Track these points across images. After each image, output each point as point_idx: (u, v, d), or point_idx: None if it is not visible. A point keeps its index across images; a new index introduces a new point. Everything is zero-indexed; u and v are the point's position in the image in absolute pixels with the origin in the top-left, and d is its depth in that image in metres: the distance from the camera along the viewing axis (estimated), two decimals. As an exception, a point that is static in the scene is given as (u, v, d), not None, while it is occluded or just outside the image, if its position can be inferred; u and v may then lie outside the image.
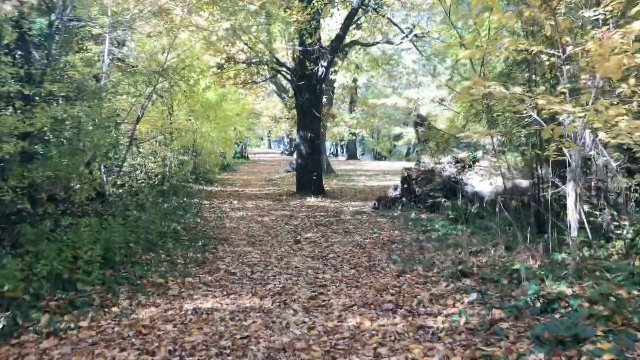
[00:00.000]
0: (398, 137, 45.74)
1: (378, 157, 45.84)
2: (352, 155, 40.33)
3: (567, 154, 6.16)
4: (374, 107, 27.86)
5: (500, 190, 11.51)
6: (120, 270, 6.32)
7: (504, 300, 5.08)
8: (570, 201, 6.16)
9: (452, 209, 9.55)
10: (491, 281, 5.71)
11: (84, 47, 10.93)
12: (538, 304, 4.78)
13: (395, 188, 13.38)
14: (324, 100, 18.99)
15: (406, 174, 12.72)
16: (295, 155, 24.61)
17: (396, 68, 34.33)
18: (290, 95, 21.85)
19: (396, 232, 9.43)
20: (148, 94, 10.49)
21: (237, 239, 8.85)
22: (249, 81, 17.07)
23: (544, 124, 6.48)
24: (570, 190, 6.05)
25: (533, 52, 5.92)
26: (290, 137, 46.18)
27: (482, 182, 11.82)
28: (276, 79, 22.62)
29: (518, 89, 5.74)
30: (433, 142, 11.86)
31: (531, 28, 6.55)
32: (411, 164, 14.96)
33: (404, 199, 12.68)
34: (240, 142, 36.23)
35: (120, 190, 10.47)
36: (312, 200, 14.43)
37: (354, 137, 37.85)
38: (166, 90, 15.93)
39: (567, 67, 5.91)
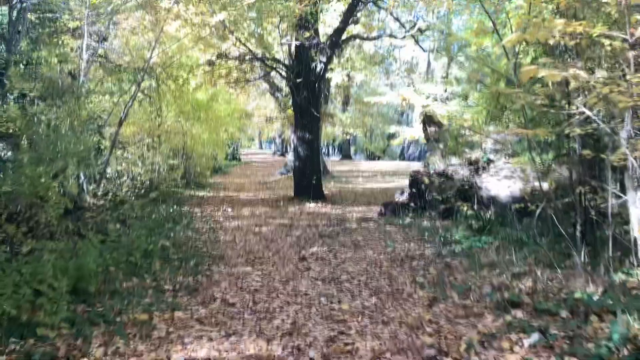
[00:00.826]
0: (391, 136, 44.80)
1: (371, 156, 44.78)
2: (345, 155, 39.25)
3: (630, 158, 5.12)
4: (369, 105, 26.75)
5: (517, 194, 10.53)
6: (95, 304, 5.18)
7: (574, 343, 4.01)
8: (634, 214, 5.12)
9: (475, 218, 8.49)
10: (548, 314, 4.65)
11: (60, 41, 9.81)
12: (625, 351, 3.72)
13: (402, 192, 12.32)
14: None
15: (414, 177, 11.66)
16: (290, 157, 23.50)
17: (390, 66, 33.40)
18: (284, 94, 20.73)
19: (412, 244, 8.36)
20: (132, 93, 9.35)
21: (234, 256, 7.73)
22: (242, 80, 15.92)
23: (600, 122, 5.44)
24: (637, 201, 5.01)
25: (593, 36, 4.84)
26: (282, 137, 45.13)
27: (499, 185, 10.79)
28: (270, 77, 21.48)
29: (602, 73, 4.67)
30: (451, 142, 10.82)
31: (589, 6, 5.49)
32: (415, 165, 13.92)
33: (412, 204, 11.62)
34: (233, 143, 35.05)
35: (102, 202, 9.32)
36: (311, 206, 13.33)
37: (348, 137, 36.79)
38: (154, 90, 14.78)
39: (634, 52, 4.86)
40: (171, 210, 12.05)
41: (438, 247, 7.92)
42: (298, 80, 13.40)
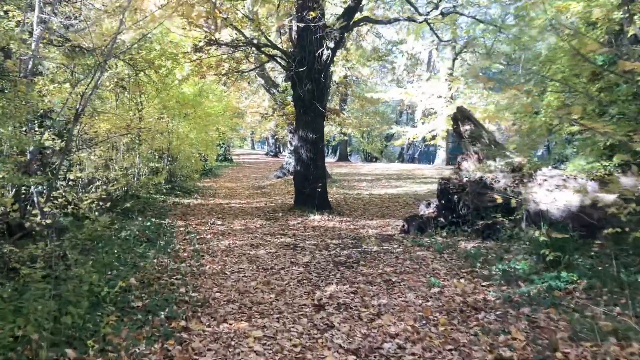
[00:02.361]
0: (389, 137, 42.72)
1: (368, 158, 42.65)
2: (342, 157, 37.08)
3: None
4: (373, 102, 24.57)
5: (574, 209, 8.45)
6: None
7: None
8: None
9: (547, 245, 6.29)
10: None
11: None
12: None
13: (428, 204, 10.14)
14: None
15: (444, 186, 9.49)
16: (286, 158, 21.27)
17: (391, 64, 31.26)
18: (280, 89, 18.50)
19: (463, 281, 6.17)
20: (94, 81, 7.08)
21: (223, 301, 5.50)
22: (234, 71, 13.68)
23: None
24: None
25: None
26: (275, 137, 42.92)
27: (550, 197, 8.66)
28: (265, 72, 19.25)
29: None
30: (518, 142, 8.65)
31: None
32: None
33: (441, 219, 9.45)
34: (224, 143, 32.78)
35: (49, 221, 7.05)
36: (316, 219, 11.13)
37: (345, 137, 34.63)
38: (132, 81, 12.52)
39: None
40: (149, 224, 9.81)
41: (500, 286, 5.74)
42: (300, 70, 11.18)
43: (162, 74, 13.11)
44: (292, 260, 7.48)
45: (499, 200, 8.87)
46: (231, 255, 7.77)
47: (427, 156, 44.65)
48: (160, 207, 12.53)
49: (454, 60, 30.21)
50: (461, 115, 9.45)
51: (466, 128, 9.30)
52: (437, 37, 15.08)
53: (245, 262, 7.32)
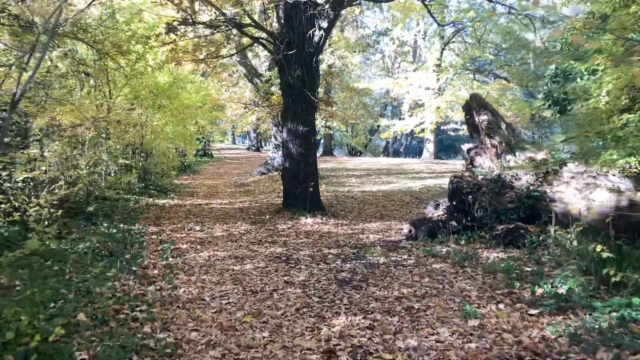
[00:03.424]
0: (374, 131, 41.45)
1: (353, 152, 41.36)
2: (327, 151, 35.76)
3: None
4: (363, 94, 23.23)
5: (608, 210, 7.30)
6: None
7: None
8: None
9: (608, 262, 5.02)
10: None
11: None
12: None
13: (437, 205, 8.88)
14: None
15: (457, 185, 8.23)
16: (270, 153, 19.86)
17: (380, 50, 30.03)
18: (264, 78, 17.07)
19: (503, 306, 4.89)
20: (37, 60, 5.64)
21: (200, 346, 4.14)
22: (214, 56, 12.24)
23: None
24: None
25: None
26: (257, 131, 41.40)
27: (579, 197, 7.48)
28: (247, 60, 17.80)
29: None
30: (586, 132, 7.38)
31: None
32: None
33: (454, 222, 8.18)
34: (203, 137, 31.19)
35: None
36: (309, 222, 9.80)
37: (331, 131, 33.27)
38: (95, 66, 11.04)
39: None
40: (115, 232, 8.39)
41: (564, 322, 4.46)
42: (289, 53, 9.80)
43: (132, 60, 11.65)
44: (285, 278, 6.14)
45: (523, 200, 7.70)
46: (211, 272, 6.41)
47: (413, 150, 43.56)
48: (130, 210, 11.07)
49: (442, 50, 28.99)
50: (476, 104, 8.18)
51: (483, 118, 8.03)
52: (435, 20, 13.76)
53: (228, 282, 5.96)
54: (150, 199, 13.09)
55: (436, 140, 30.83)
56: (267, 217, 10.49)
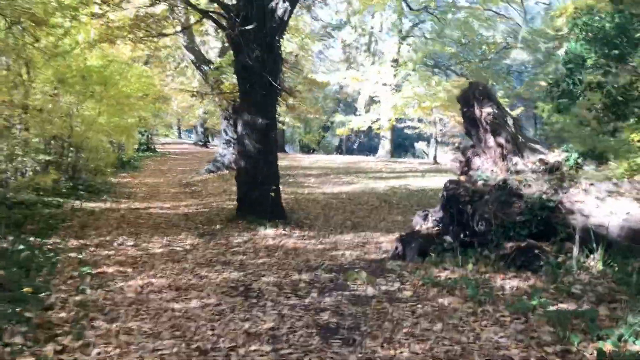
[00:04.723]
0: (327, 127, 39.97)
1: (305, 149, 39.69)
2: (280, 148, 33.84)
3: None
4: (322, 86, 21.55)
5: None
6: None
7: None
8: None
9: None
10: None
11: None
12: None
13: (426, 216, 7.33)
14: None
15: (453, 193, 6.71)
16: (220, 149, 17.90)
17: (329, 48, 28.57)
18: (214, 66, 15.14)
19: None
20: None
21: None
22: (155, 34, 10.30)
23: None
24: None
25: None
26: (204, 126, 39.15)
27: (603, 208, 6.14)
28: (194, 44, 15.81)
29: None
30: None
31: None
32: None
33: (448, 237, 6.66)
34: (146, 131, 28.78)
35: None
36: (269, 234, 8.08)
37: (284, 127, 31.44)
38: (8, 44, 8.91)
39: None
40: (21, 249, 6.42)
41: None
42: (247, 29, 8.03)
43: (55, 35, 9.60)
44: (246, 324, 4.40)
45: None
46: (143, 314, 4.60)
47: (367, 148, 42.32)
48: (49, 217, 9.02)
49: (399, 45, 27.72)
50: (479, 94, 6.66)
51: (487, 111, 6.53)
52: (407, 4, 12.24)
53: (166, 333, 4.17)
54: (79, 202, 11.01)
55: (393, 138, 29.62)
56: (218, 226, 8.69)
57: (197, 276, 5.87)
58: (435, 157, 26.87)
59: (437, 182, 16.30)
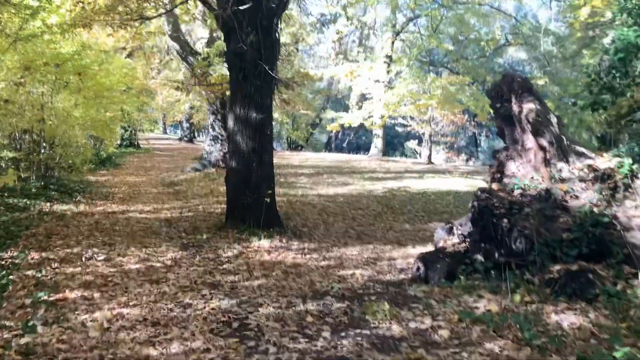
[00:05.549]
0: (315, 124, 38.82)
1: (293, 146, 38.47)
2: (267, 145, 32.56)
3: None
4: (316, 80, 20.36)
5: None
6: None
7: None
8: None
9: None
10: None
11: None
12: None
13: (450, 230, 6.23)
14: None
15: (484, 204, 5.61)
16: (207, 145, 16.65)
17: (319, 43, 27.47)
18: (201, 56, 13.90)
19: None
20: None
21: None
22: (136, 18, 9.08)
23: None
24: None
25: None
26: (190, 121, 37.78)
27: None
28: (180, 33, 14.56)
29: None
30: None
31: None
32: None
33: (479, 256, 5.58)
34: (129, 126, 27.38)
35: None
36: (264, 246, 6.93)
37: (273, 122, 30.16)
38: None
39: None
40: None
41: None
42: (241, 9, 6.85)
43: (21, 17, 8.36)
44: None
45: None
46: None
47: (356, 146, 41.23)
48: (12, 223, 7.79)
49: (393, 41, 26.65)
50: (519, 86, 5.57)
51: (529, 108, 5.44)
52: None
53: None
54: (49, 204, 9.77)
55: (385, 136, 28.59)
56: (205, 236, 7.51)
57: (180, 304, 4.71)
58: (429, 157, 25.89)
59: (436, 184, 15.29)
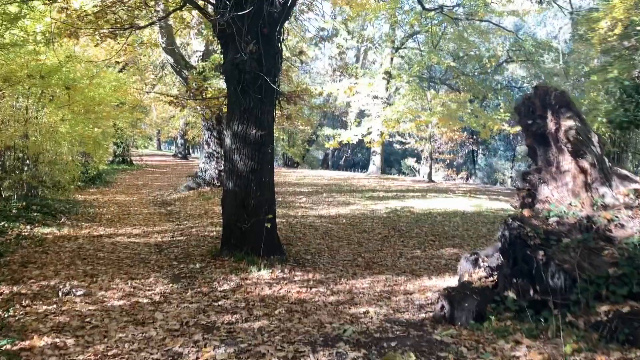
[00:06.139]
0: (312, 141, 38.27)
1: (289, 163, 37.81)
2: (263, 162, 31.87)
3: None
4: (316, 95, 19.72)
5: None
6: None
7: None
8: None
9: None
10: None
11: None
12: None
13: (475, 262, 5.53)
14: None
15: (516, 233, 4.92)
16: (201, 163, 15.95)
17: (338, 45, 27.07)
18: (197, 70, 13.26)
19: None
20: None
21: None
22: (125, 27, 8.43)
23: None
24: None
25: None
26: (185, 137, 37.18)
27: None
28: (174, 46, 13.94)
29: None
30: None
31: None
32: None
33: (511, 293, 4.88)
34: (122, 142, 26.65)
35: None
36: (264, 278, 6.20)
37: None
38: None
39: None
40: None
41: None
42: (241, 14, 6.21)
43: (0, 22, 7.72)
44: None
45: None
46: None
47: (351, 163, 40.62)
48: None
49: (392, 57, 26.20)
50: (556, 100, 4.92)
51: (569, 125, 4.78)
52: (421, 4, 10.59)
53: None
54: (29, 227, 9.00)
55: (383, 154, 27.99)
56: (198, 265, 6.77)
57: (168, 354, 3.98)
58: (430, 175, 25.27)
59: (440, 204, 14.62)
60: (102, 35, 8.82)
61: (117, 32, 8.47)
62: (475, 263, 5.45)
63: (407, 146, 30.92)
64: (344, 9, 22.66)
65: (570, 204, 4.97)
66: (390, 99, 25.67)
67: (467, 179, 30.64)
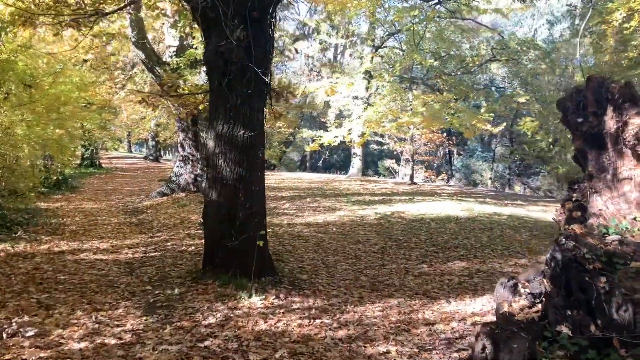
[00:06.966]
0: (289, 143, 37.26)
1: (266, 165, 36.68)
2: (239, 164, 30.71)
3: None
4: (302, 96, 18.70)
5: None
6: None
7: None
8: None
9: None
10: None
11: None
12: None
13: (514, 288, 4.59)
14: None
15: (571, 255, 4.01)
16: (177, 166, 14.76)
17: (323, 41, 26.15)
18: (172, 66, 12.10)
19: None
20: None
21: None
22: (89, 14, 7.30)
23: None
24: None
25: None
26: (156, 139, 35.76)
27: None
28: (146, 40, 12.76)
29: None
30: None
31: None
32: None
33: (564, 328, 3.97)
34: (89, 145, 25.18)
35: None
36: (257, 308, 5.17)
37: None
38: None
39: None
40: None
41: None
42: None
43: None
44: None
45: None
46: None
47: (329, 165, 39.70)
48: None
49: (372, 57, 25.34)
50: (620, 94, 4.03)
51: (638, 123, 3.90)
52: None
53: None
54: (-22, 242, 7.77)
55: (364, 155, 27.15)
56: (177, 290, 5.69)
57: None
58: (412, 177, 24.50)
59: (429, 208, 13.77)
60: (62, 23, 7.65)
61: (79, 18, 7.32)
62: (515, 290, 4.53)
63: (384, 147, 30.20)
64: (324, 6, 21.68)
65: (634, 219, 4.09)
66: (370, 99, 24.86)
67: (447, 180, 30.02)
